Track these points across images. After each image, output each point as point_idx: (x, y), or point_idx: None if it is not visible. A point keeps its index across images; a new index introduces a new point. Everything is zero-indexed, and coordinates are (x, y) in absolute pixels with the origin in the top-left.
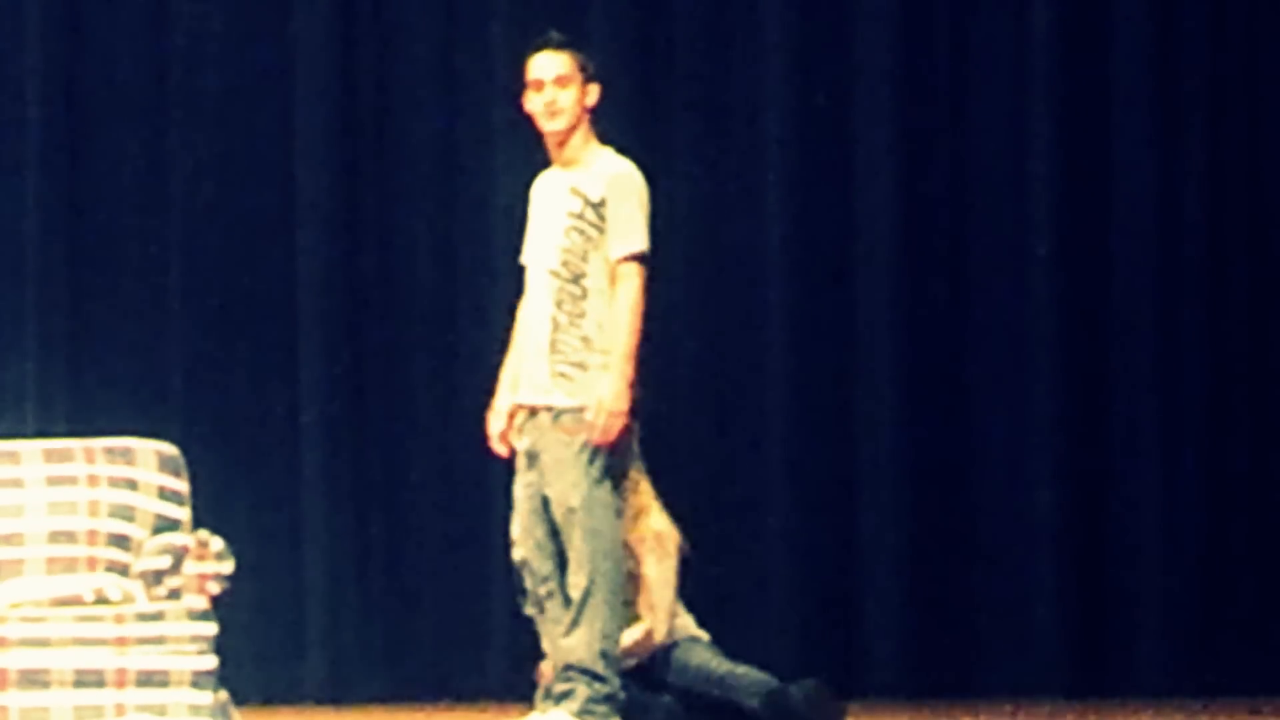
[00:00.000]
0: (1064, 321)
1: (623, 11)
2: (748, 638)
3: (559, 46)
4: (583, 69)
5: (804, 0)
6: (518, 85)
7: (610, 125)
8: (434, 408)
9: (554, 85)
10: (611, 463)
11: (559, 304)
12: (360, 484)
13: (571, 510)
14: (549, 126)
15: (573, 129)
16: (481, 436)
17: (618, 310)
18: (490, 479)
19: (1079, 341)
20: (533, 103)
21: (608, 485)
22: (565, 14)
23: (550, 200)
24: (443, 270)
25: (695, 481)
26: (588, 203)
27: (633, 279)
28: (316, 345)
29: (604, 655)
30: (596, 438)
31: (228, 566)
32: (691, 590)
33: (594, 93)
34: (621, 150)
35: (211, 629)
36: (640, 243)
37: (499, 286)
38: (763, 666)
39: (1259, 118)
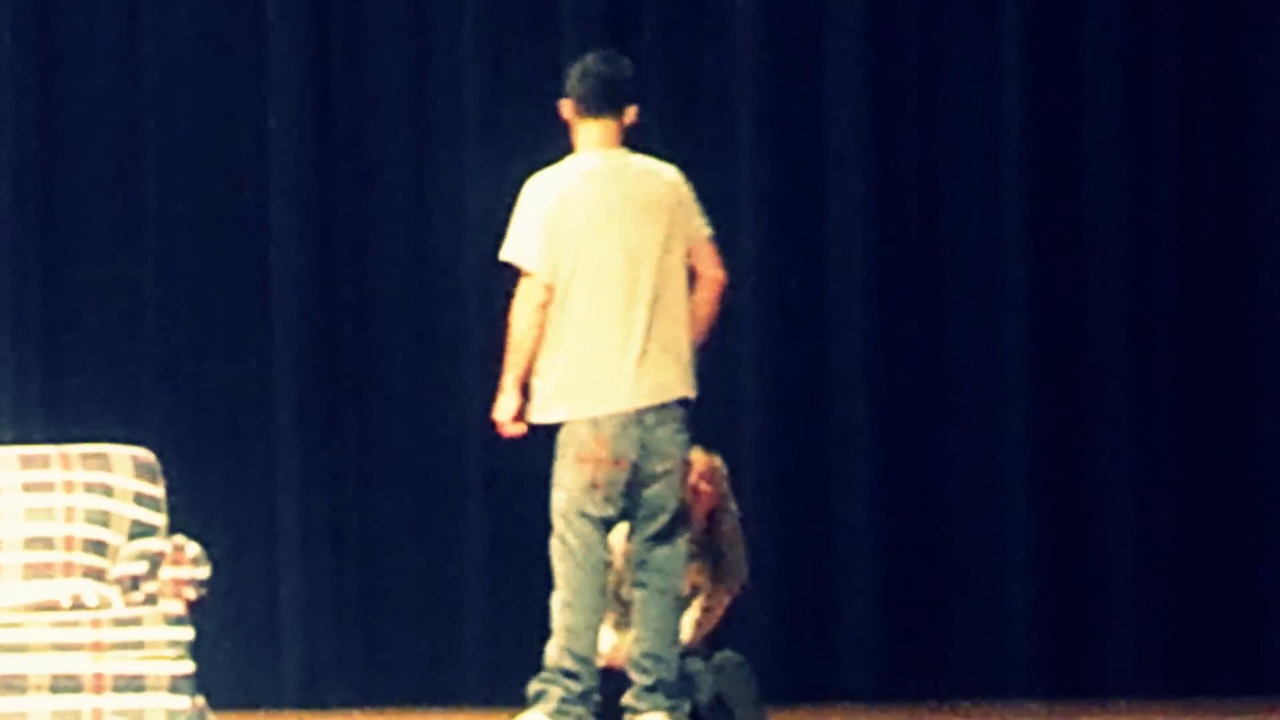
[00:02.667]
0: (1037, 325)
1: (594, 16)
2: (722, 640)
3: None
4: (566, 92)
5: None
6: (489, 87)
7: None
8: (409, 413)
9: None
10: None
11: None
12: (336, 489)
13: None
14: None
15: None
16: (457, 443)
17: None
18: (467, 484)
19: (1053, 344)
20: None
21: (560, 494)
22: (534, 16)
23: None
24: (417, 274)
25: None
26: None
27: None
28: (291, 352)
29: (571, 653)
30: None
31: (204, 572)
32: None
33: (565, 109)
34: None
35: (188, 634)
36: (511, 252)
37: (473, 291)
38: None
39: (1232, 117)
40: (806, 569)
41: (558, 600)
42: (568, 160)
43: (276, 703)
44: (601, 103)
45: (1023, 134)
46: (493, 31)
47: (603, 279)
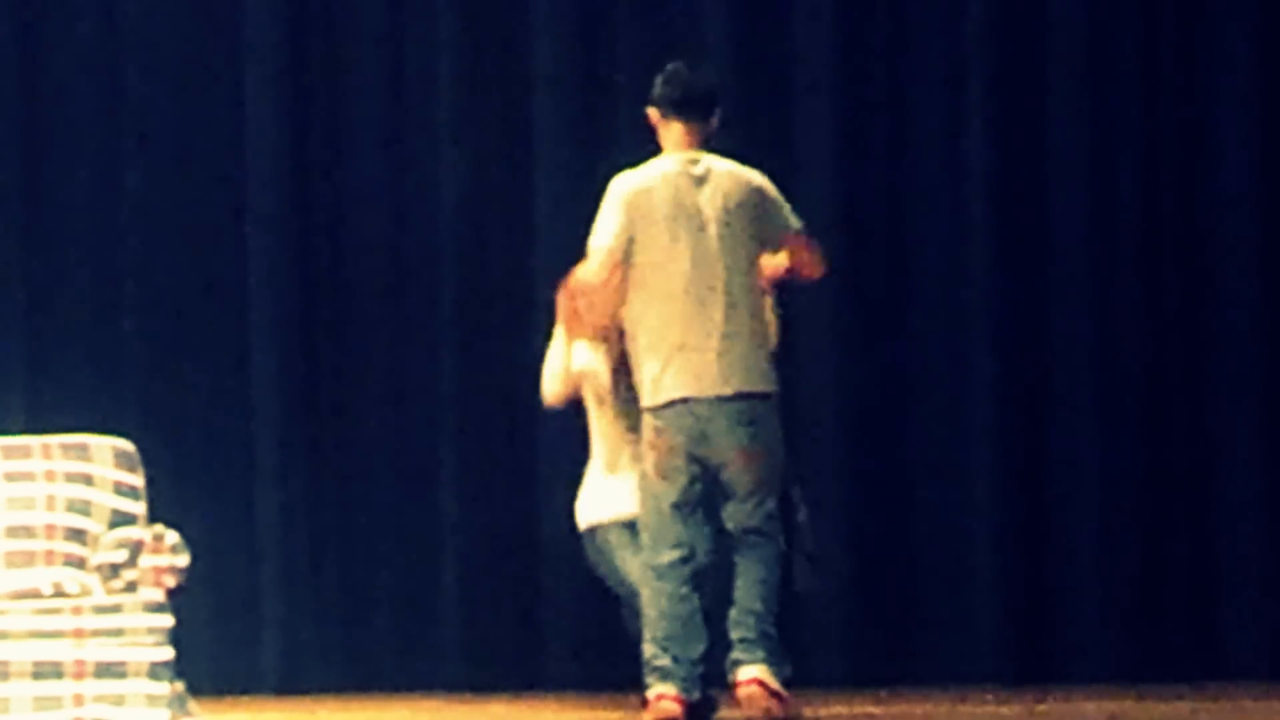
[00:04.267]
0: (1002, 318)
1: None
2: None
3: None
4: (650, 98)
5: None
6: (464, 87)
7: (556, 137)
8: (387, 402)
9: None
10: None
11: None
12: (314, 476)
13: None
14: None
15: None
16: (434, 431)
17: None
18: (443, 472)
19: (1016, 332)
20: None
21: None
22: (509, 15)
23: None
24: (393, 265)
25: None
26: None
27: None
28: (269, 341)
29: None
30: None
31: (183, 560)
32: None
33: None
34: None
35: (168, 621)
36: (593, 242)
37: (449, 283)
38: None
39: (1192, 115)
40: None
41: (640, 578)
42: (652, 161)
43: (256, 689)
44: (684, 107)
45: (986, 130)
46: (465, 24)
47: (677, 275)
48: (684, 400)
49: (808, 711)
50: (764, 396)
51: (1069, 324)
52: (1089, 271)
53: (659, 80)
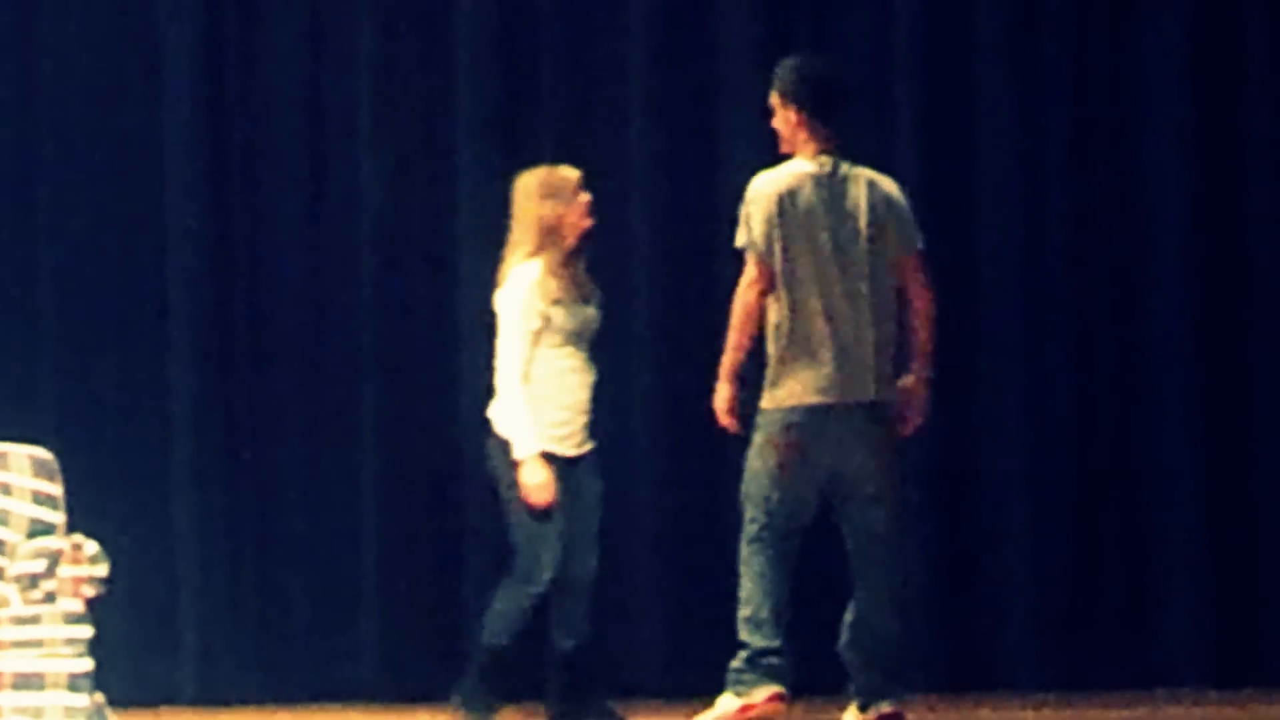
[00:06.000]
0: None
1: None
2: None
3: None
4: (783, 95)
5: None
6: (382, 95)
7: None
8: (305, 412)
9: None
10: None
11: None
12: (232, 487)
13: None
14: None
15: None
16: (352, 442)
17: None
18: (362, 482)
19: (946, 338)
20: None
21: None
22: (429, 25)
23: None
24: (311, 275)
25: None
26: None
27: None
28: (186, 350)
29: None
30: None
31: (102, 570)
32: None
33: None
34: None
35: (87, 632)
36: (739, 239)
37: (368, 292)
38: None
39: (1122, 121)
40: (702, 569)
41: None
42: (789, 162)
43: (174, 699)
44: (825, 106)
45: (915, 149)
46: (386, 33)
47: (812, 279)
48: (821, 405)
49: None
50: (892, 404)
51: (999, 329)
52: (1016, 280)
53: (791, 75)
